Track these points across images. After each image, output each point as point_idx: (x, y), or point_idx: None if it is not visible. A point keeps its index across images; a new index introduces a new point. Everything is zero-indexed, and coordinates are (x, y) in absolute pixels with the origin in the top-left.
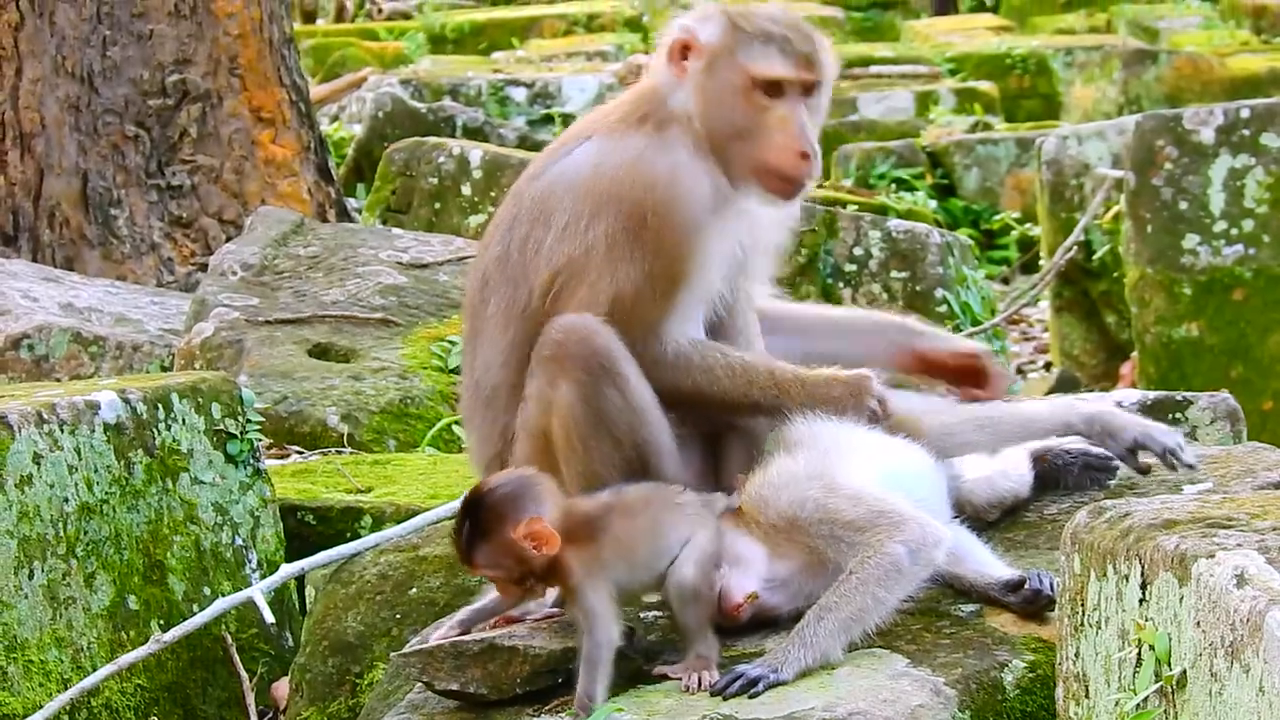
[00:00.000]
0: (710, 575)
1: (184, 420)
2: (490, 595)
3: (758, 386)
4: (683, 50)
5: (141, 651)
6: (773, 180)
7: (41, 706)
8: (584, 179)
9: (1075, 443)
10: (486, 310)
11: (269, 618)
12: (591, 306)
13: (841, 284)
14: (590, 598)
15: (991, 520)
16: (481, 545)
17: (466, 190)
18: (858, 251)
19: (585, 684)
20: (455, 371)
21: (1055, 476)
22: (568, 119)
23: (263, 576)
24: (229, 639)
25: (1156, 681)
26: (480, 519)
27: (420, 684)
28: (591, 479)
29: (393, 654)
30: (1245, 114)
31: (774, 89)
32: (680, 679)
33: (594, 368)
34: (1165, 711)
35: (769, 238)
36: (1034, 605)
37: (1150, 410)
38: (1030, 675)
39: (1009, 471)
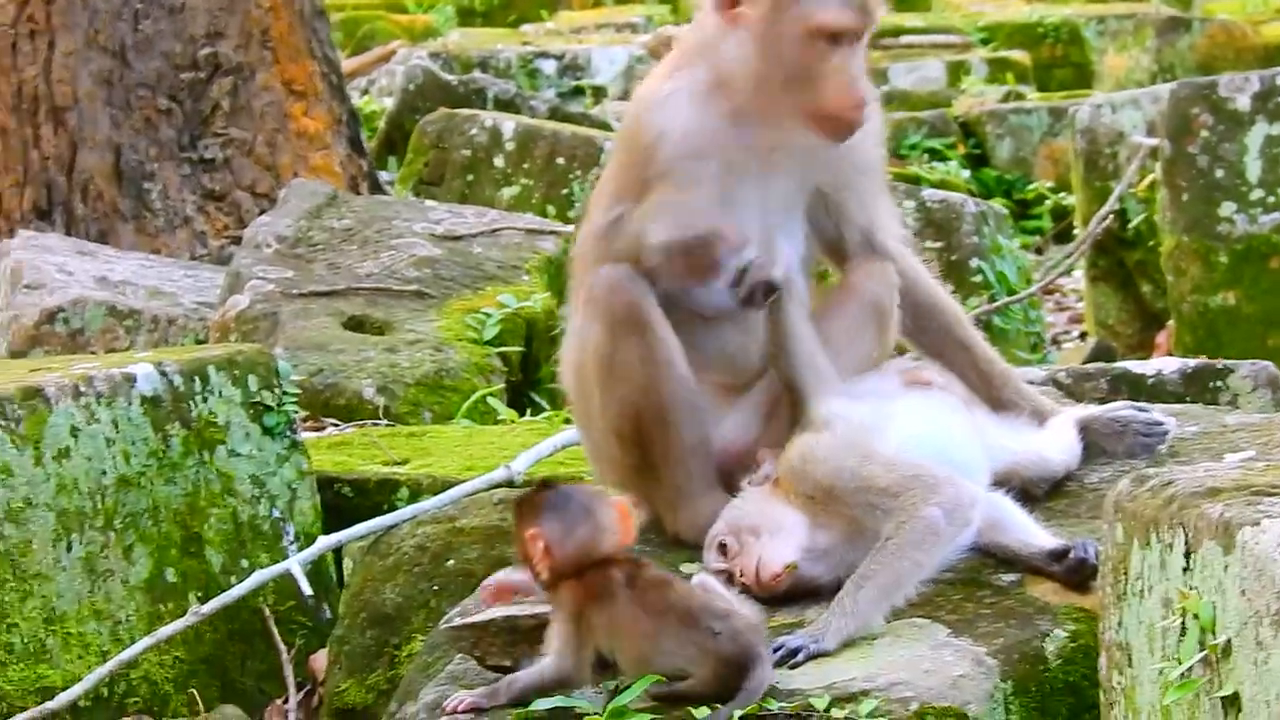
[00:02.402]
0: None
1: (221, 393)
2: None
3: None
4: (733, 1)
5: (180, 624)
6: (828, 125)
7: (80, 679)
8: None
9: (1123, 409)
10: None
11: (307, 590)
12: (590, 236)
13: None
14: (559, 641)
15: (1039, 494)
16: (516, 527)
17: (499, 162)
18: None
19: (506, 685)
20: (490, 343)
21: (1100, 444)
22: (598, 91)
23: (300, 549)
24: (267, 611)
25: (1201, 650)
26: (523, 503)
27: (471, 657)
28: (608, 421)
29: (443, 626)
30: None
31: (833, 37)
32: None
33: (620, 318)
34: (1209, 680)
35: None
36: (1079, 575)
37: (1190, 379)
38: (1072, 645)
39: (1059, 444)
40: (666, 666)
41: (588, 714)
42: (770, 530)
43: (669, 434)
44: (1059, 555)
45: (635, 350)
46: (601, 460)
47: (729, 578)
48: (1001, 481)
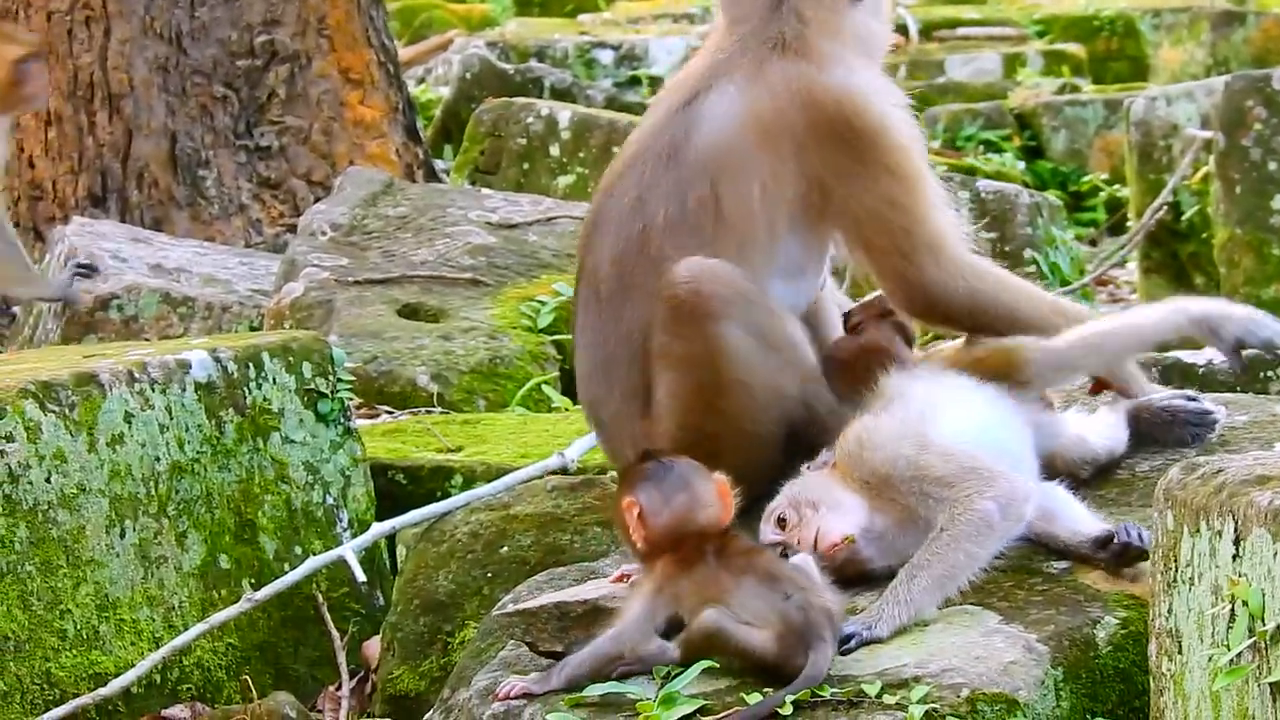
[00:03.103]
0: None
1: (275, 379)
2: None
3: None
4: None
5: (233, 610)
6: None
7: (133, 665)
8: None
9: (1174, 399)
10: None
11: (360, 576)
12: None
13: None
14: (635, 605)
15: (1085, 477)
16: (616, 494)
17: (555, 151)
18: None
19: (558, 671)
20: (544, 331)
21: (1151, 433)
22: (655, 81)
23: (353, 536)
24: (320, 598)
25: (1250, 637)
26: (625, 472)
27: (523, 644)
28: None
29: (495, 613)
30: None
31: None
32: None
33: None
34: (1258, 667)
35: None
36: (1124, 559)
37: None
38: (1123, 632)
39: (1105, 429)
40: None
41: (640, 699)
42: (829, 505)
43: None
44: (1104, 542)
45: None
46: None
47: (784, 550)
48: (1044, 463)
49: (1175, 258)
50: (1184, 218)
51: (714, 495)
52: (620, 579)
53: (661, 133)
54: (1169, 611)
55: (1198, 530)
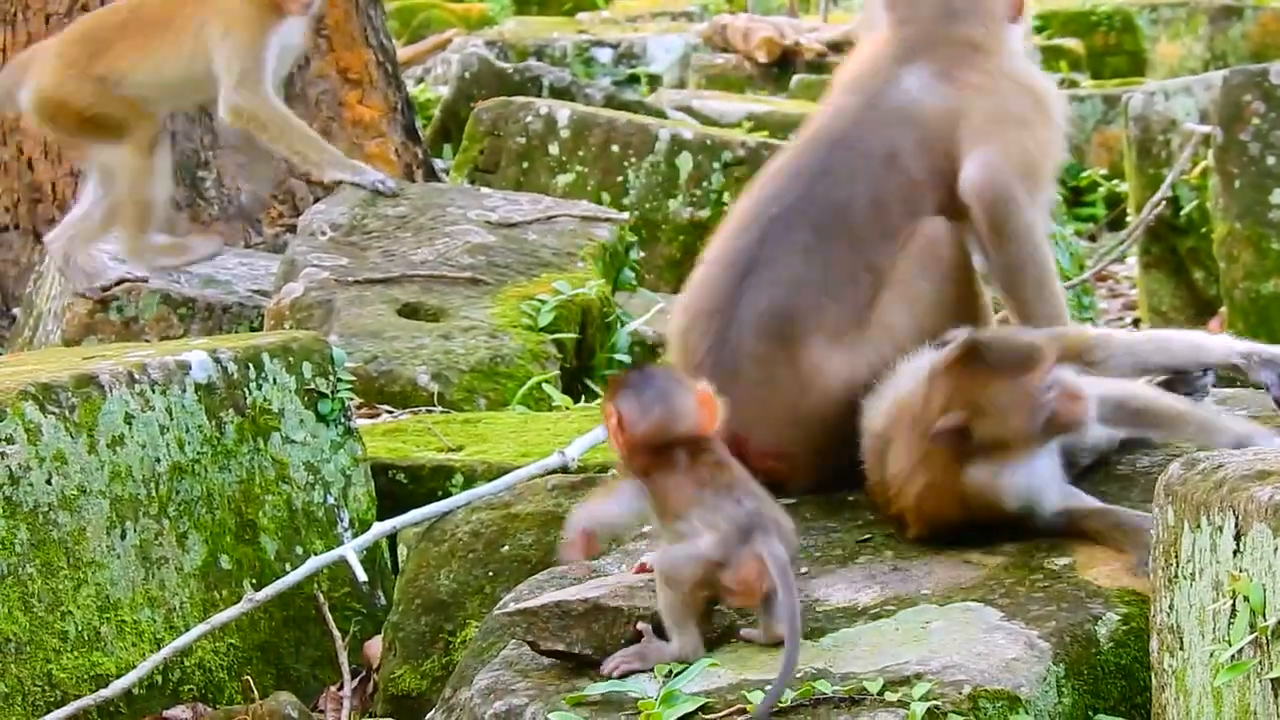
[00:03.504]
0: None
1: (275, 380)
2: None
3: None
4: None
5: (234, 610)
6: None
7: (134, 666)
8: None
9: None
10: None
11: (361, 576)
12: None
13: None
14: (612, 501)
15: (1085, 465)
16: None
17: (554, 150)
18: None
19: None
20: (545, 330)
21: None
22: (654, 79)
23: (354, 535)
24: (321, 598)
25: (1251, 633)
26: (611, 381)
27: (524, 643)
28: None
29: (495, 612)
30: None
31: None
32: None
33: None
34: (1260, 662)
35: None
36: None
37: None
38: (1124, 628)
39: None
40: (695, 527)
41: (641, 698)
42: None
43: None
44: None
45: None
46: None
47: None
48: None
49: (1174, 253)
50: (1183, 213)
51: (693, 406)
52: (641, 569)
53: (878, 100)
54: (1170, 607)
55: (1198, 525)
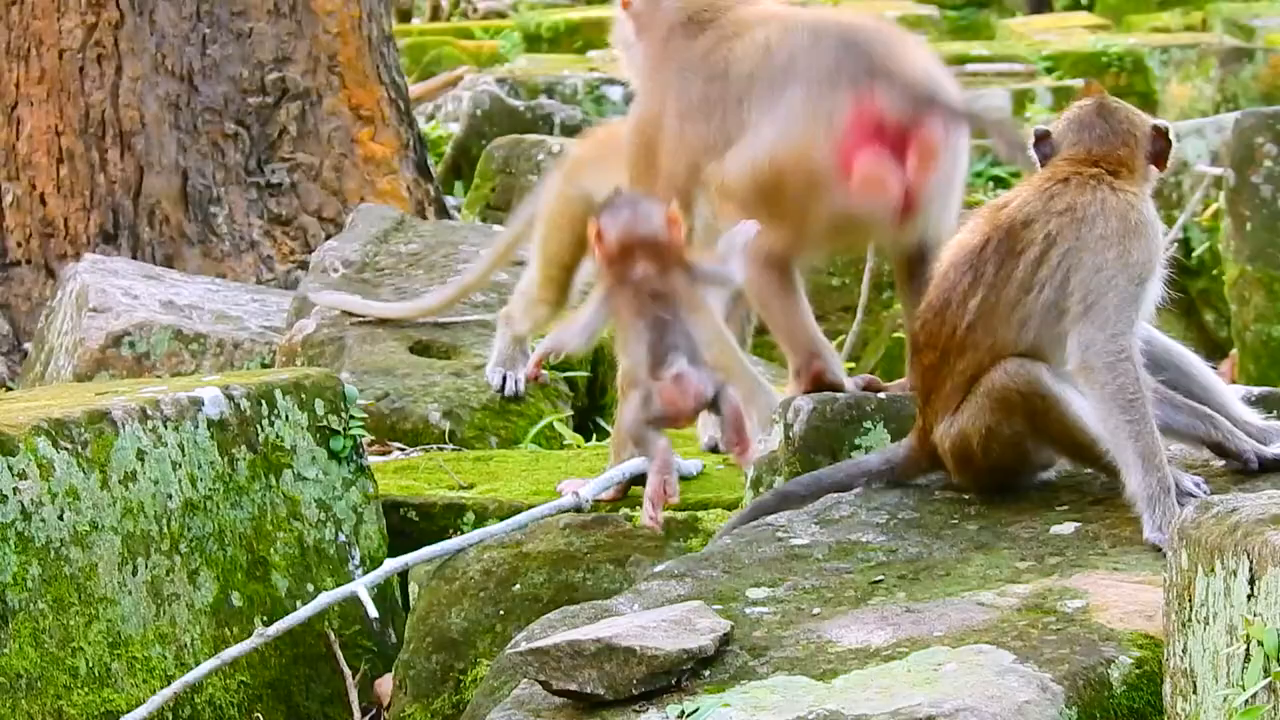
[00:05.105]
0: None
1: (287, 416)
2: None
3: None
4: None
5: (245, 645)
6: None
7: (145, 702)
8: None
9: None
10: None
11: (373, 612)
12: None
13: None
14: (588, 308)
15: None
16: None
17: None
18: None
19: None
20: (556, 369)
21: None
22: None
23: (365, 573)
24: (332, 635)
25: (1265, 677)
26: (599, 204)
27: (536, 682)
28: None
29: (507, 651)
30: None
31: None
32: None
33: None
34: (1274, 707)
35: None
36: None
37: (1255, 405)
38: (1137, 671)
39: None
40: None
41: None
42: None
43: None
44: None
45: None
46: None
47: None
48: None
49: (1185, 294)
50: (1194, 254)
51: (658, 215)
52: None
53: None
54: (1183, 651)
55: (1212, 570)
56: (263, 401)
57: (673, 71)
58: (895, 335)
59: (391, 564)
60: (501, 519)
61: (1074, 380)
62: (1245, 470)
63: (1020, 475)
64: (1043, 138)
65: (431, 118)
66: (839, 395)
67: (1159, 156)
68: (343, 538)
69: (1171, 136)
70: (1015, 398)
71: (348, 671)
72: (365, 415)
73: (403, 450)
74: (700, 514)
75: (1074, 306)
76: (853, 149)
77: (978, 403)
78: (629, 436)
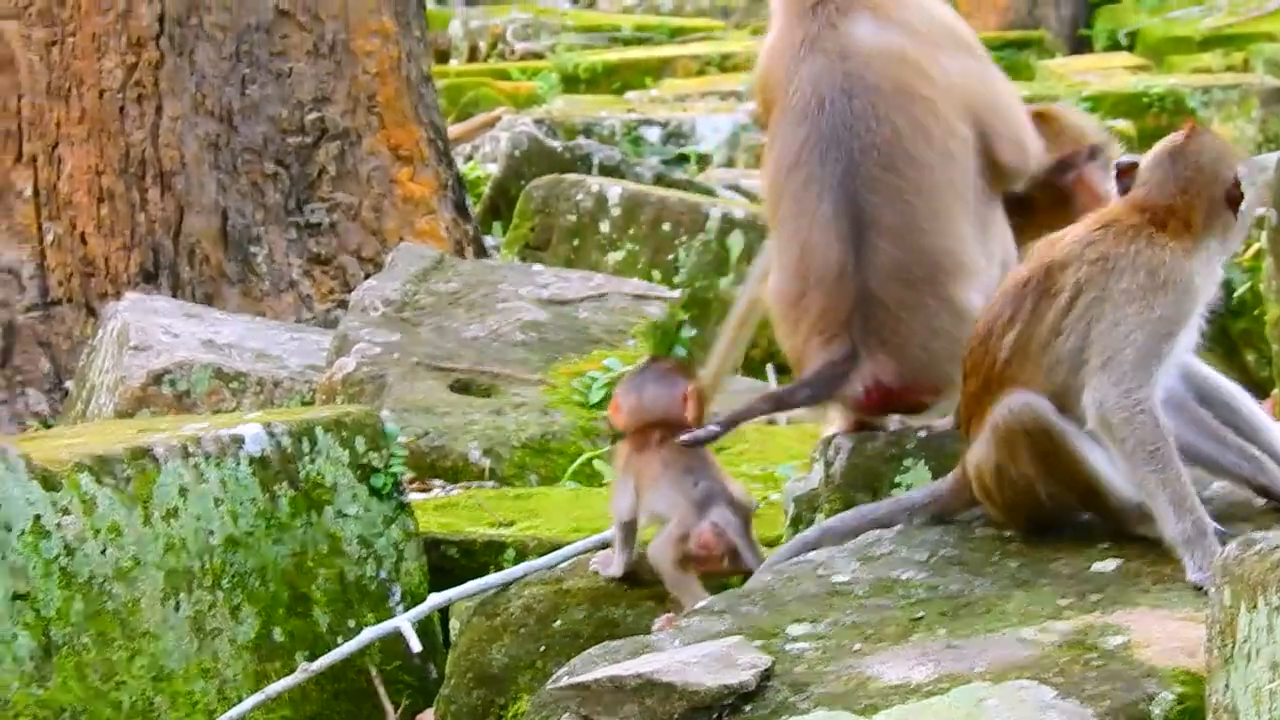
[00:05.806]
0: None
1: (328, 453)
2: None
3: None
4: None
5: (288, 681)
6: None
7: None
8: None
9: None
10: None
11: (416, 646)
12: None
13: None
14: (618, 481)
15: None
16: None
17: (605, 228)
18: None
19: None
20: (596, 407)
21: None
22: (702, 159)
23: (406, 609)
24: (373, 671)
25: None
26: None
27: (577, 717)
28: None
29: (548, 686)
30: None
31: None
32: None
33: None
34: None
35: None
36: None
37: None
38: (1179, 708)
39: None
40: (658, 510)
41: None
42: None
43: None
44: None
45: None
46: None
47: None
48: None
49: (1226, 334)
50: (1235, 295)
51: (676, 396)
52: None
53: None
54: (1226, 687)
55: (1255, 606)
56: (304, 439)
57: None
58: None
59: (436, 599)
60: (542, 556)
61: (1094, 435)
62: None
63: (1042, 516)
64: (1125, 170)
65: (469, 158)
66: (879, 433)
67: (1234, 203)
68: (384, 574)
69: (1244, 188)
70: (1020, 436)
71: (389, 707)
72: (405, 452)
73: (443, 488)
74: None
75: (1093, 359)
76: None
77: (986, 437)
78: (667, 581)
